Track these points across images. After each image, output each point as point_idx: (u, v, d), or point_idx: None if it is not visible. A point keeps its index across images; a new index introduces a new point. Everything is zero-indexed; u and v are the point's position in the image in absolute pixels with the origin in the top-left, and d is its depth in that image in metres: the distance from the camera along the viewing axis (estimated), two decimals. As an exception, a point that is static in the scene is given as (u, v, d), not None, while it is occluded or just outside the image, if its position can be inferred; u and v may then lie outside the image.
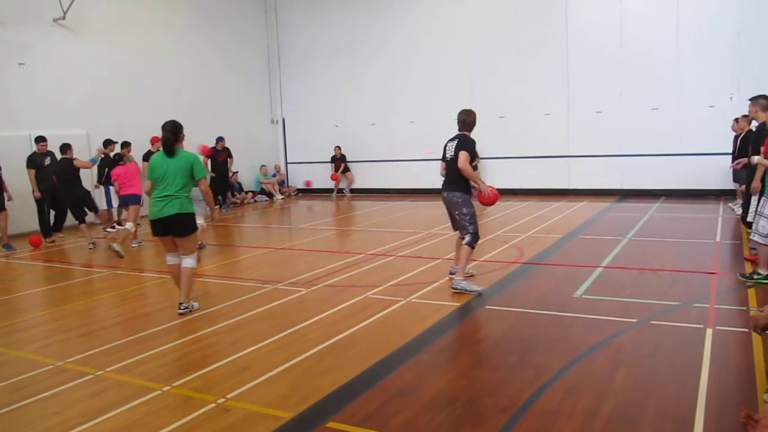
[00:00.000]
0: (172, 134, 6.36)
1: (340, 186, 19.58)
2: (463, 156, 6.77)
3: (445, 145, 7.15)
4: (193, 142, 12.53)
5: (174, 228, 6.39)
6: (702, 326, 5.34)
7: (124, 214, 12.14)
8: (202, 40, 17.95)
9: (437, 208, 10.51)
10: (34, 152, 12.03)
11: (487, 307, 6.29)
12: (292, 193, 20.19)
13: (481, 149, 16.06)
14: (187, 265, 6.49)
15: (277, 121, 20.99)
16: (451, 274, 7.50)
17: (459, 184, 6.95)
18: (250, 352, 5.23)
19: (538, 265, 8.12)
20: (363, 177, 19.57)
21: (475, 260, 8.40)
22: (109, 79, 15.06)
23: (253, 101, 20.08)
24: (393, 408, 4.03)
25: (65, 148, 11.07)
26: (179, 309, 6.44)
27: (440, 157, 7.28)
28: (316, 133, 19.91)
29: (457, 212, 6.99)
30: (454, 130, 7.15)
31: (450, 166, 7.00)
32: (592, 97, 15.75)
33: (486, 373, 4.63)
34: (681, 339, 5.13)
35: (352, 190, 19.58)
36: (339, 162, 19.44)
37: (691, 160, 14.83)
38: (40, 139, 12.10)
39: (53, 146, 11.93)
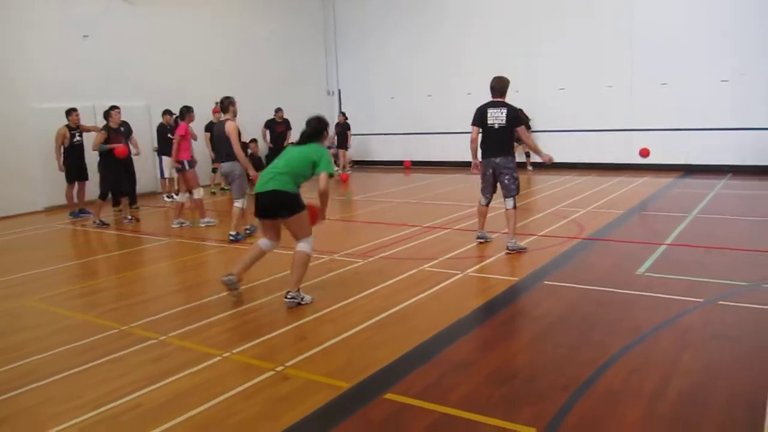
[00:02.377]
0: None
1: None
2: (523, 132, 7.47)
3: (485, 111, 7.36)
4: (253, 113, 12.46)
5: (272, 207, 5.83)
6: (774, 308, 5.12)
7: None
8: (258, 15, 17.95)
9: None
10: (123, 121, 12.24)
11: (546, 282, 6.17)
12: (348, 164, 20.14)
13: (539, 122, 15.90)
14: (299, 249, 5.73)
15: (333, 93, 20.99)
16: (479, 239, 7.96)
17: (510, 152, 7.44)
18: (308, 322, 5.27)
19: (599, 240, 7.92)
20: (418, 149, 19.39)
21: (533, 235, 8.28)
22: (168, 51, 15.25)
23: (308, 73, 20.02)
24: (451, 381, 4.00)
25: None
26: (286, 298, 5.64)
27: (474, 123, 7.48)
28: (372, 105, 19.79)
29: (508, 176, 7.38)
30: (511, 102, 7.53)
31: (500, 133, 7.32)
32: (657, 68, 15.11)
33: (546, 350, 4.54)
34: (751, 320, 4.93)
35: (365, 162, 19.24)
36: (339, 129, 18.09)
37: (761, 134, 14.12)
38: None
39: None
